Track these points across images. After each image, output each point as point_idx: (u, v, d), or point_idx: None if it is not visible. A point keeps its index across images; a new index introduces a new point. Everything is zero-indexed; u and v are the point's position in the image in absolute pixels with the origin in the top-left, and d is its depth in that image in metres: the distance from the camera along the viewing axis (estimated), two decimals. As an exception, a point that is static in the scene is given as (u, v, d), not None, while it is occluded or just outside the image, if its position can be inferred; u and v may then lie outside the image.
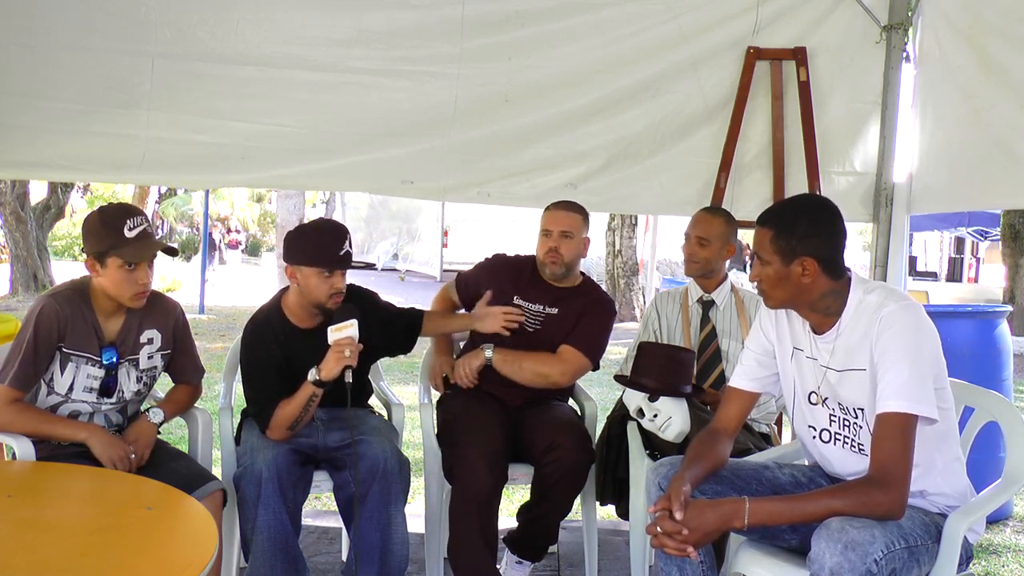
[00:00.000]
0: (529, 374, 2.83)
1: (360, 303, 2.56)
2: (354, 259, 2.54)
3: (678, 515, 1.83)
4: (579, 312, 2.89)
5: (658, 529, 1.85)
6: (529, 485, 2.77)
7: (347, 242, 2.51)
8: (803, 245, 1.93)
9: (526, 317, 2.90)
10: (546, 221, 2.91)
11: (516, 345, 2.86)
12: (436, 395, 3.03)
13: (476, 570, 2.59)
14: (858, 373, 1.95)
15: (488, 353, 2.83)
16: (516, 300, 2.91)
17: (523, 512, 2.85)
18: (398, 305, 2.89)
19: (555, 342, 2.86)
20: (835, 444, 2.05)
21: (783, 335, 2.13)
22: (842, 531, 1.74)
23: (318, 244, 2.51)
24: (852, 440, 2.01)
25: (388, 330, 2.75)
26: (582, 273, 3.01)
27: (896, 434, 1.82)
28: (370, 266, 21.40)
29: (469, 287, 3.06)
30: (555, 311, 2.90)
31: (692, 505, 1.87)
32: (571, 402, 3.04)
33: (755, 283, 2.04)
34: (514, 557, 2.85)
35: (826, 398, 2.05)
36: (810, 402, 2.09)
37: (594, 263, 17.77)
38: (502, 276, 2.98)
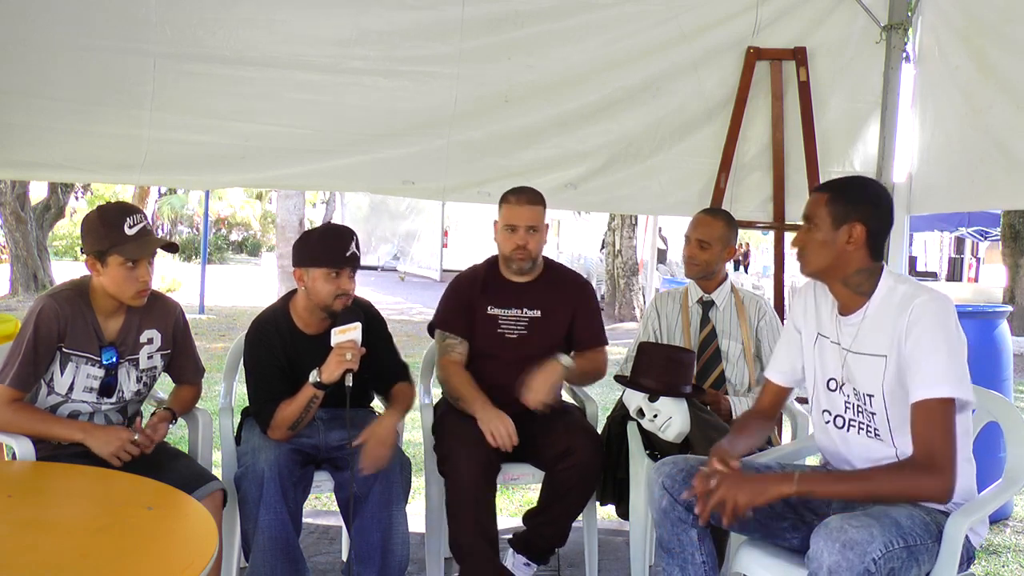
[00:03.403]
0: (592, 378, 2.89)
1: (368, 321, 2.54)
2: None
3: (734, 463, 1.90)
4: (571, 310, 2.88)
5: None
6: (530, 485, 2.77)
7: (353, 243, 2.53)
8: (856, 211, 1.99)
9: (505, 326, 2.85)
10: (510, 216, 2.81)
11: (504, 353, 2.83)
12: (437, 396, 3.03)
13: (475, 559, 2.57)
14: (876, 359, 1.98)
15: (567, 361, 2.73)
16: (491, 310, 2.86)
17: (531, 517, 2.83)
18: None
19: (547, 343, 2.84)
20: (849, 430, 2.08)
21: (809, 321, 2.17)
22: (841, 530, 1.75)
23: (324, 245, 2.53)
24: (867, 425, 2.04)
25: (371, 361, 2.60)
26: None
27: (939, 419, 1.85)
28: (371, 268, 21.44)
29: (455, 320, 2.88)
30: (537, 313, 2.86)
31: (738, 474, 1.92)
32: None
33: (795, 248, 2.09)
34: (521, 558, 2.81)
35: (843, 384, 2.08)
36: (829, 388, 2.12)
37: (594, 264, 17.78)
38: (470, 294, 2.89)
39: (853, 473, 1.99)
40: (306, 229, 2.76)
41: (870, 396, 2.01)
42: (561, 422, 2.75)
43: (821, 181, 3.38)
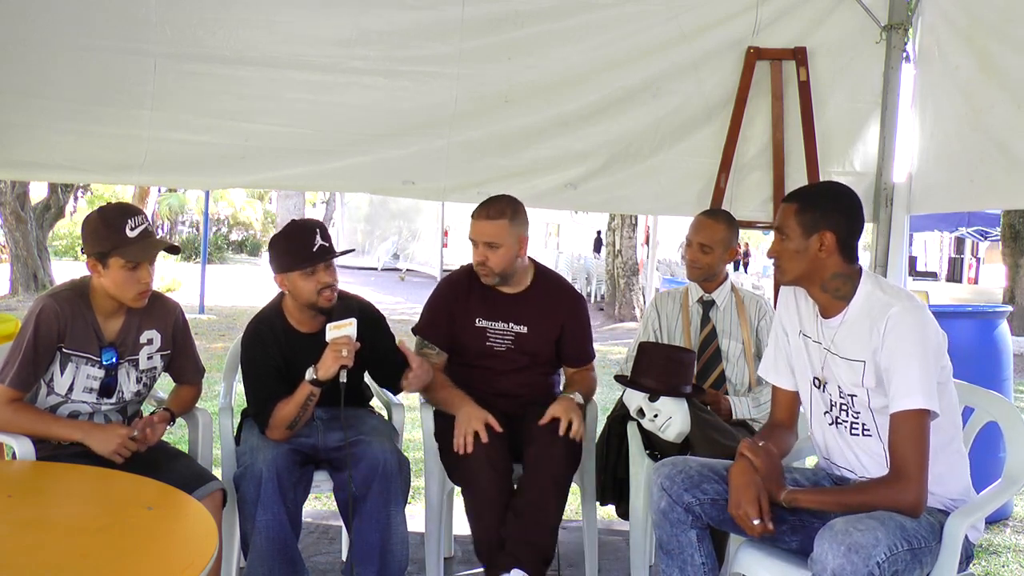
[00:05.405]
0: (585, 400, 2.83)
1: (364, 319, 2.53)
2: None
3: (770, 524, 1.95)
4: (559, 326, 2.85)
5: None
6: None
7: (318, 235, 2.51)
8: (825, 219, 2.02)
9: (493, 339, 2.82)
10: (471, 230, 2.74)
11: (494, 364, 2.81)
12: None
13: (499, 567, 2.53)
14: (856, 363, 2.00)
15: (579, 399, 2.74)
16: (479, 323, 2.82)
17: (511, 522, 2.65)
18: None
19: (535, 356, 2.84)
20: (839, 427, 2.09)
21: (793, 321, 2.20)
22: (846, 533, 1.75)
23: (288, 248, 2.53)
24: (855, 423, 2.06)
25: (375, 354, 2.65)
26: (530, 259, 2.90)
27: (910, 431, 1.89)
28: (371, 269, 21.39)
29: (435, 331, 2.86)
30: (524, 329, 2.82)
31: None
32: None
33: (772, 259, 2.12)
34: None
35: (827, 382, 2.10)
36: (815, 386, 2.14)
37: (594, 264, 17.78)
38: (453, 303, 2.85)
39: (841, 489, 2.04)
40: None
41: (853, 396, 2.04)
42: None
43: (821, 181, 3.39)
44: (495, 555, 2.52)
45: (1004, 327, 3.93)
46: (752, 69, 3.39)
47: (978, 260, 26.56)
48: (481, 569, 2.64)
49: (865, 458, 2.04)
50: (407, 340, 2.77)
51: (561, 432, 2.58)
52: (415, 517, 2.88)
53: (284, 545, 2.38)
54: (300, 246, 2.50)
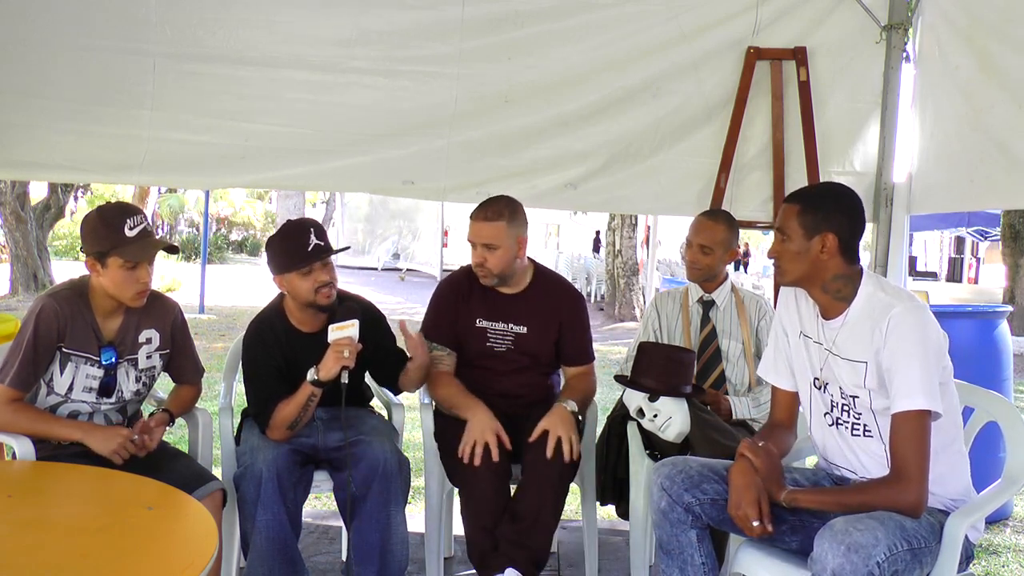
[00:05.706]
0: (584, 404, 2.79)
1: (365, 320, 2.53)
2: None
3: (770, 526, 1.97)
4: (557, 325, 2.84)
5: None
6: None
7: (312, 235, 2.50)
8: (827, 221, 2.01)
9: (493, 339, 2.81)
10: (469, 231, 2.74)
11: (495, 364, 2.81)
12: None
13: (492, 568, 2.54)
14: (857, 364, 2.00)
15: (572, 407, 2.68)
16: (479, 323, 2.82)
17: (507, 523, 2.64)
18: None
19: (535, 356, 2.84)
20: (840, 428, 2.09)
21: (793, 321, 2.19)
22: (846, 532, 1.75)
23: (284, 249, 2.53)
24: (856, 424, 2.06)
25: (377, 355, 2.67)
26: (530, 259, 2.89)
27: (911, 432, 1.89)
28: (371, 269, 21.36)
29: (440, 332, 2.85)
30: (523, 329, 2.82)
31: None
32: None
33: (772, 259, 2.11)
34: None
35: (827, 383, 2.10)
36: (815, 387, 2.14)
37: (594, 264, 17.78)
38: (455, 304, 2.84)
39: (841, 489, 2.05)
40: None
41: (855, 397, 2.04)
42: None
43: (821, 181, 3.39)
44: (488, 557, 2.52)
45: (1004, 327, 3.93)
46: (752, 69, 3.39)
47: (978, 260, 26.57)
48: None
49: (865, 458, 2.04)
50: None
51: (549, 453, 2.54)
52: (415, 517, 2.88)
53: (284, 545, 2.38)
54: (295, 246, 2.50)
